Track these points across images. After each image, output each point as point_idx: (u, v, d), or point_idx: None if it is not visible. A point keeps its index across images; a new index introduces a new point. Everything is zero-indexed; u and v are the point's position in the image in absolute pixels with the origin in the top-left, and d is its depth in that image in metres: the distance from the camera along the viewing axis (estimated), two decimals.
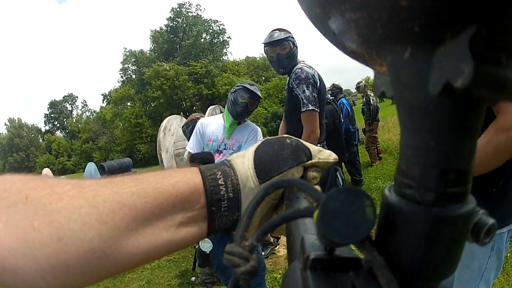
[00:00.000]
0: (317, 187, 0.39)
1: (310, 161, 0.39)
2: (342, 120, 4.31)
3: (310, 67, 2.14)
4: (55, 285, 0.29)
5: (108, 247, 0.30)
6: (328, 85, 4.76)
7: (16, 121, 48.96)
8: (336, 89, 5.31)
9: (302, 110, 2.02)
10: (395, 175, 0.18)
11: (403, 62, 0.15)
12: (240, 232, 0.23)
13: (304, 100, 2.02)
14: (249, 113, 2.26)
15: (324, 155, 0.40)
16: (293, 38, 2.18)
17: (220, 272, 2.26)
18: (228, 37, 33.81)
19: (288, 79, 2.20)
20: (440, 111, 0.15)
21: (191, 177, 0.35)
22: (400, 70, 0.16)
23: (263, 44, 2.24)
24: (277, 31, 2.18)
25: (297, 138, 0.41)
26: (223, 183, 0.36)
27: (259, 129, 2.30)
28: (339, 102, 4.79)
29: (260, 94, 2.27)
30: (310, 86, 2.03)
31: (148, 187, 0.33)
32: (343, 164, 4.62)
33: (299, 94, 2.03)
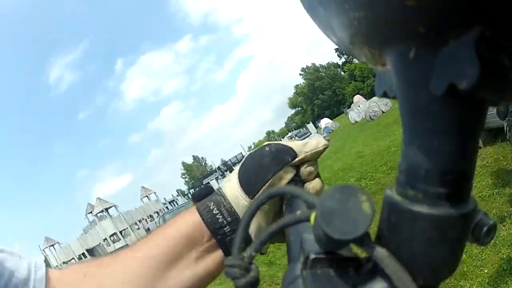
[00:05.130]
0: (317, 181, 0.39)
1: (296, 159, 0.38)
2: None
3: None
4: None
5: None
6: None
7: (311, 66, 54.88)
8: None
9: None
10: (397, 175, 0.18)
11: (407, 62, 0.15)
12: (237, 244, 0.23)
13: None
14: None
15: (311, 146, 0.39)
16: None
17: None
18: None
19: None
20: (443, 112, 0.15)
21: (190, 217, 0.39)
22: (403, 70, 0.16)
23: None
24: None
25: (277, 142, 0.40)
26: (217, 211, 0.38)
27: None
28: None
29: None
30: None
31: (159, 238, 0.39)
32: None
33: None
